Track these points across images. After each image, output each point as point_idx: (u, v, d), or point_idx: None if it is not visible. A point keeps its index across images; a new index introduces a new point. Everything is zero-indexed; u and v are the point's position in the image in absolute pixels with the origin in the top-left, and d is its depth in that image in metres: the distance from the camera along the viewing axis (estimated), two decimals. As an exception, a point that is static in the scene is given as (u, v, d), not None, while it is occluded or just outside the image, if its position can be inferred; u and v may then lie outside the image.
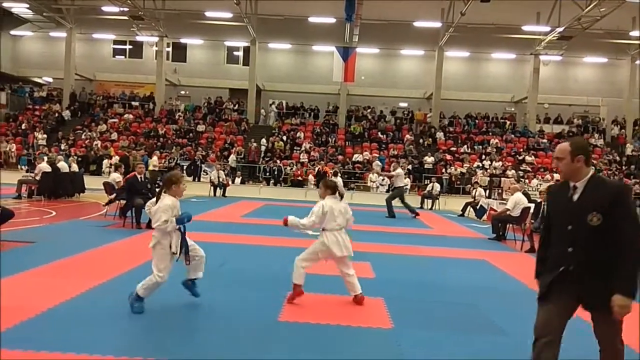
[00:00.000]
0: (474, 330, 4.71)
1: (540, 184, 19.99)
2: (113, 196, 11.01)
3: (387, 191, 21.61)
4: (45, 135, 25.15)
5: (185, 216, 4.63)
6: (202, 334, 4.20)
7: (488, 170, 23.70)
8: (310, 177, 22.46)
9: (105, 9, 24.74)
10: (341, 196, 5.10)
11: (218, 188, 19.97)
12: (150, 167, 19.92)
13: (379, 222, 13.59)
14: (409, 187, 20.64)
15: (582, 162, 2.85)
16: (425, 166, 24.28)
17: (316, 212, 4.87)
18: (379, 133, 27.52)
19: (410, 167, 23.20)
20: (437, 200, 19.85)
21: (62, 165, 15.98)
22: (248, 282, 5.93)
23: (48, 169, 14.71)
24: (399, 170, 15.57)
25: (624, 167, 25.23)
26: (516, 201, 10.56)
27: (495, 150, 25.92)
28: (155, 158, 22.18)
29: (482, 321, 5.04)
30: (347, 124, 28.56)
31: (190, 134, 26.57)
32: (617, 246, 2.69)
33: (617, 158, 26.04)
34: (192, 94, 30.84)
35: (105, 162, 22.28)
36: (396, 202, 15.20)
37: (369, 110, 29.29)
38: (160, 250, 4.47)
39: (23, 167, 19.47)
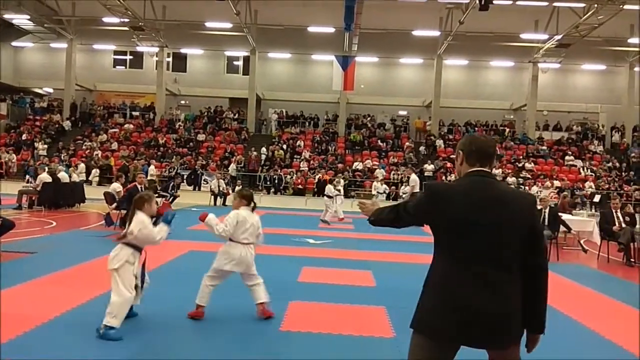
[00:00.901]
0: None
1: (540, 191, 19.99)
2: (113, 206, 11.02)
3: (387, 199, 21.63)
4: (45, 146, 25.22)
5: (169, 213, 4.65)
6: (204, 344, 4.20)
7: (488, 178, 23.66)
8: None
9: (105, 19, 24.89)
10: (253, 208, 4.99)
11: (218, 197, 19.99)
12: (148, 177, 19.91)
13: (380, 230, 13.56)
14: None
15: (460, 159, 2.47)
16: (426, 174, 24.28)
17: (230, 221, 4.75)
18: (379, 141, 27.59)
19: (410, 174, 23.23)
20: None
21: (63, 176, 16.00)
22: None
23: (49, 179, 14.73)
24: (414, 177, 15.99)
25: (624, 174, 25.23)
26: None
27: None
28: (152, 167, 22.20)
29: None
30: (346, 132, 28.63)
31: (191, 143, 26.63)
32: None
33: (617, 164, 26.04)
34: (193, 103, 30.93)
35: (82, 166, 22.08)
36: None
37: (368, 119, 29.39)
38: (126, 271, 4.37)
39: (30, 177, 19.49)
